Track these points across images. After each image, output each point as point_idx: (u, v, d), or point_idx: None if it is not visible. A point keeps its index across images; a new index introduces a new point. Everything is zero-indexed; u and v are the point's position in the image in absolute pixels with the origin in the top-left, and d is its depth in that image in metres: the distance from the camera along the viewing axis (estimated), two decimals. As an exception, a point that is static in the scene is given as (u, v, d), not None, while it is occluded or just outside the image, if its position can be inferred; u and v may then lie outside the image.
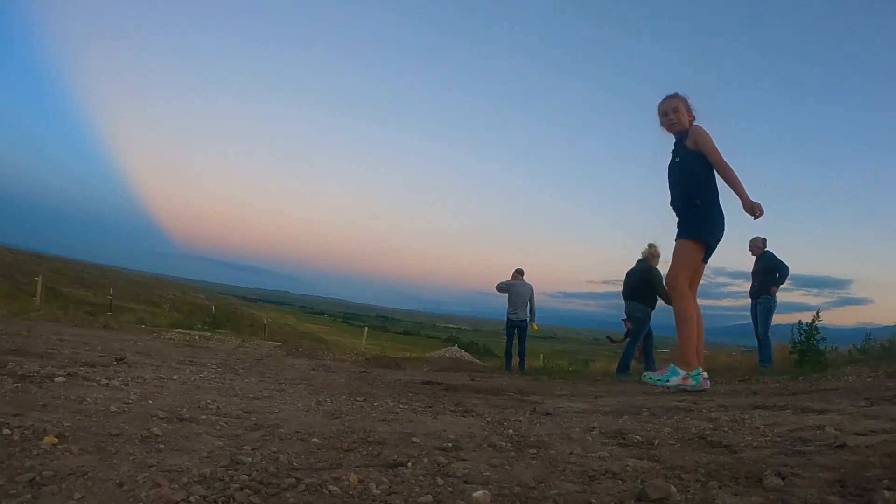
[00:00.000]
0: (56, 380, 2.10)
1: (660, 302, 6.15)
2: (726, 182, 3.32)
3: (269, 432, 1.62)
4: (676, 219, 3.50)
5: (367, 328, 27.76)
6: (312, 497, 1.07)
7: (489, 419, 2.14)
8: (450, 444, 1.59)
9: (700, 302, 3.47)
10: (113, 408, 1.73)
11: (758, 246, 6.42)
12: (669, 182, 3.57)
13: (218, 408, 1.96)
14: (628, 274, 6.41)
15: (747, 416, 2.07)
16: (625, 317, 6.45)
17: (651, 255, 6.33)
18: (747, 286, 6.59)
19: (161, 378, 2.59)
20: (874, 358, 4.87)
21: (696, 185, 3.42)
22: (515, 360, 7.82)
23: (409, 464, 1.33)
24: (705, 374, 3.35)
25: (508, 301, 7.95)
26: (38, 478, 1.04)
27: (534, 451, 1.54)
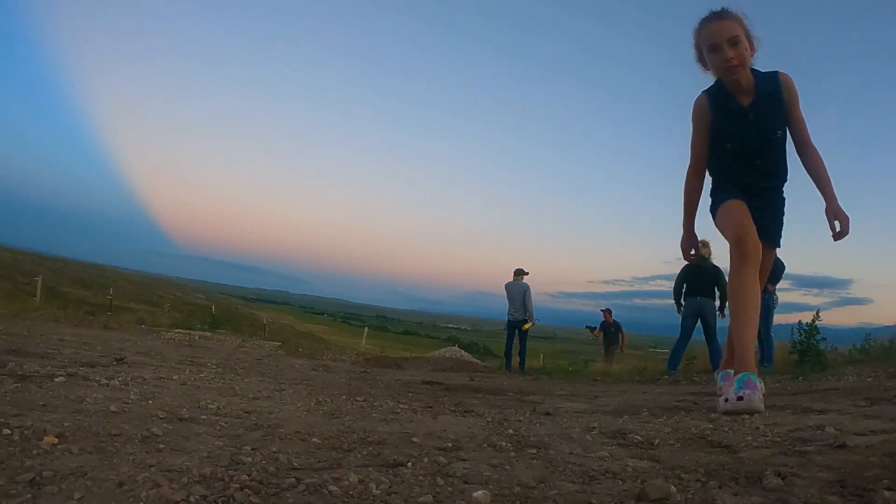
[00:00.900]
0: (56, 380, 2.10)
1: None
2: (816, 171, 2.39)
3: (269, 432, 1.62)
4: (766, 218, 2.48)
5: (367, 328, 27.78)
6: (312, 497, 1.07)
7: (489, 419, 2.14)
8: (450, 444, 1.59)
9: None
10: (113, 408, 1.73)
11: None
12: (752, 156, 2.42)
13: (218, 408, 1.96)
14: (692, 272, 6.53)
15: (747, 416, 2.07)
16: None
17: (710, 254, 6.56)
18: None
19: (161, 378, 2.59)
20: (874, 358, 4.86)
21: (785, 166, 2.49)
22: (515, 360, 7.83)
23: (409, 464, 1.33)
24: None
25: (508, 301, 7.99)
26: (38, 478, 1.04)
27: (534, 451, 1.54)
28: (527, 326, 7.95)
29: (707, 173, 2.59)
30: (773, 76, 2.37)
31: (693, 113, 2.48)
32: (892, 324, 6.21)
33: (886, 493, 1.02)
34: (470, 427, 1.93)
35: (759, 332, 6.24)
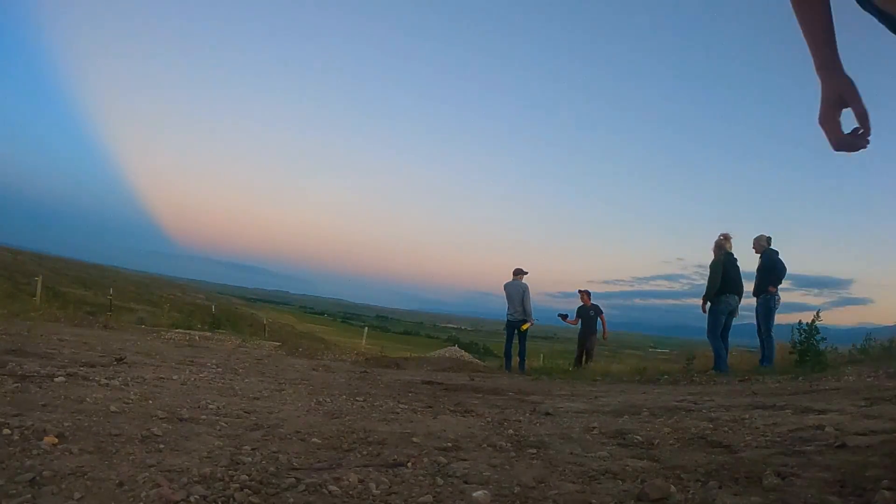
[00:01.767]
0: (56, 380, 2.10)
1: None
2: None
3: (269, 432, 1.62)
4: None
5: (366, 328, 27.76)
6: (312, 497, 1.07)
7: (489, 419, 2.14)
8: (450, 444, 1.59)
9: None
10: (113, 408, 1.73)
11: (761, 244, 6.41)
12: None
13: (218, 408, 1.96)
14: (731, 266, 6.00)
15: (747, 416, 2.07)
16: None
17: (731, 248, 6.13)
18: (750, 286, 6.57)
19: (161, 378, 2.59)
20: (874, 358, 4.87)
21: None
22: (515, 360, 7.82)
23: (409, 464, 1.33)
24: None
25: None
26: (38, 478, 1.04)
27: (534, 451, 1.55)
28: (525, 327, 7.89)
29: None
30: None
31: None
32: (892, 324, 6.21)
33: (886, 493, 1.02)
34: (470, 427, 1.93)
35: (760, 332, 6.23)
